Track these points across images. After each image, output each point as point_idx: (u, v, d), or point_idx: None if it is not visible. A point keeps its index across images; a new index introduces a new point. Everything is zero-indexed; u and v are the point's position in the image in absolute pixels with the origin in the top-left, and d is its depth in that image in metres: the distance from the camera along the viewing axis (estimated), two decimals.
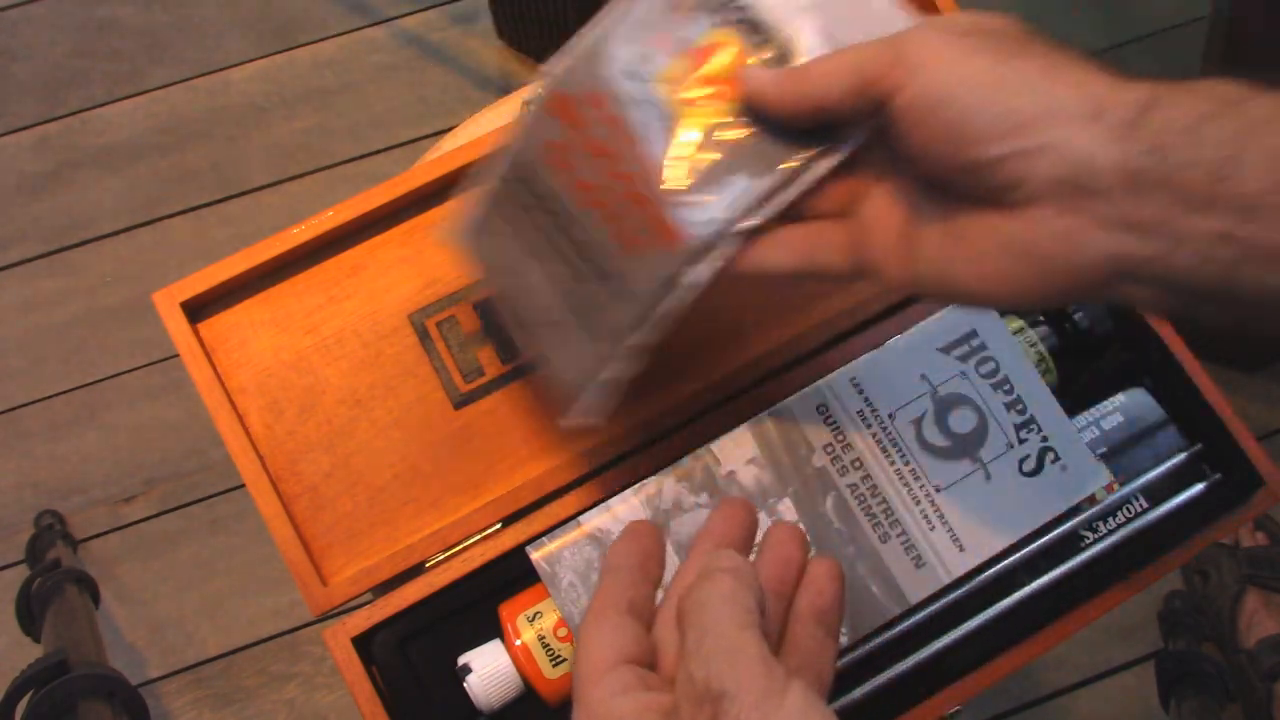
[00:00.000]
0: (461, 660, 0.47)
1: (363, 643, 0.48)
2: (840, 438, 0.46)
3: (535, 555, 0.44)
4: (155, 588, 1.25)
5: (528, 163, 0.40)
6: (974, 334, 0.47)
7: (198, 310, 0.51)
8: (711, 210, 0.36)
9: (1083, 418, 0.51)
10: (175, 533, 1.27)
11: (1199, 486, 0.50)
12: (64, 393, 1.33)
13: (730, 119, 0.37)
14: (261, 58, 1.51)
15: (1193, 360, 0.52)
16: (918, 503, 0.45)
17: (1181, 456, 0.50)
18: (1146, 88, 0.30)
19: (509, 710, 0.47)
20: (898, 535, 0.45)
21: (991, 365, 0.47)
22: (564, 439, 0.52)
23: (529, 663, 0.46)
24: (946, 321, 0.48)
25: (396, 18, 1.54)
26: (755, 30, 0.37)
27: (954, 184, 0.33)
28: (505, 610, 0.48)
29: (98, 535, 1.27)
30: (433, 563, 0.50)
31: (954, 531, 0.45)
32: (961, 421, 0.46)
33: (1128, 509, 0.50)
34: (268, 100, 1.49)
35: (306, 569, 0.48)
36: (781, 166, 0.36)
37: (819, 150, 0.36)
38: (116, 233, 1.41)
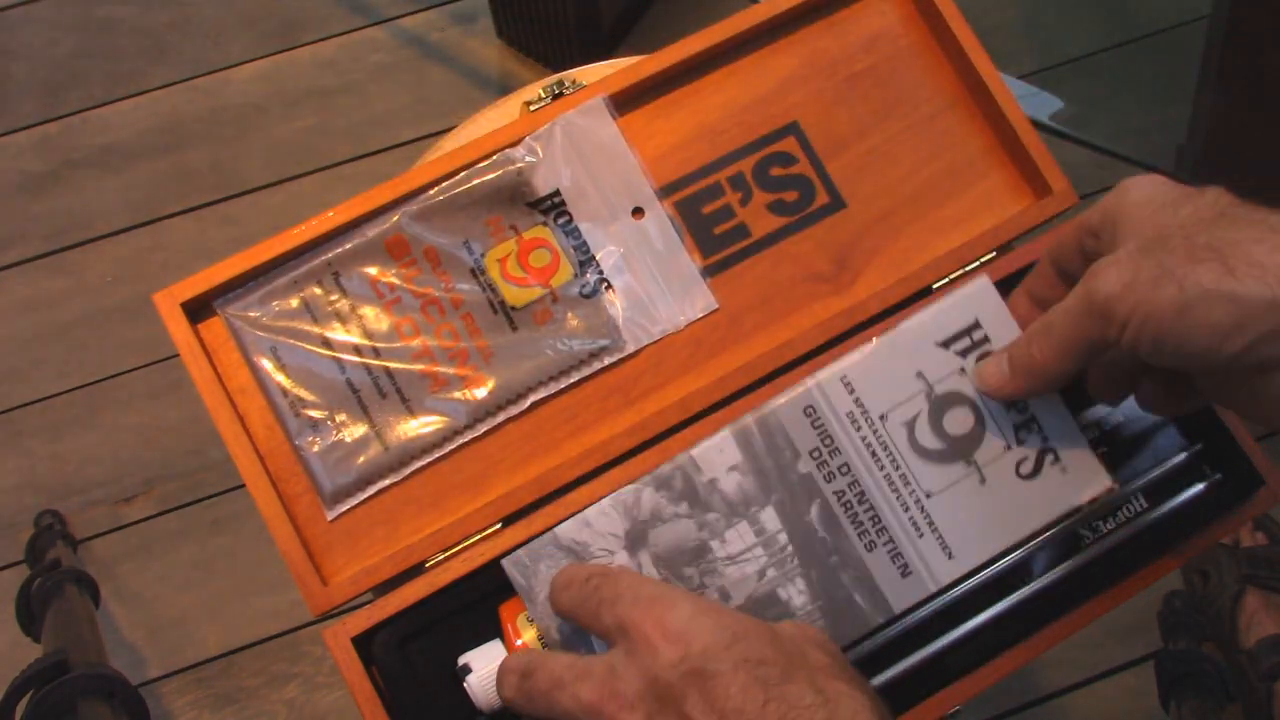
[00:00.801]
0: (461, 660, 0.47)
1: (363, 643, 0.48)
2: (828, 442, 0.44)
3: (509, 567, 0.44)
4: (155, 588, 1.25)
5: None
6: (977, 325, 0.45)
7: (198, 310, 0.51)
8: None
9: (1083, 417, 0.51)
10: (175, 533, 1.27)
11: (1199, 486, 0.50)
12: (64, 393, 1.33)
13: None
14: (261, 58, 1.51)
15: None
16: (906, 509, 0.44)
17: (1181, 456, 0.50)
18: None
19: (509, 710, 0.47)
20: (884, 544, 0.44)
21: None
22: (564, 439, 0.52)
23: None
24: (948, 312, 0.45)
25: (396, 18, 1.54)
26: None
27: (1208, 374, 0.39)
28: (505, 610, 0.48)
29: (98, 535, 1.27)
30: (433, 563, 0.50)
31: (943, 538, 0.44)
32: (957, 423, 0.45)
33: (1128, 509, 0.50)
34: (268, 100, 1.49)
35: (306, 569, 0.48)
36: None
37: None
38: (116, 233, 1.41)
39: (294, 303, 0.52)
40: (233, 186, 1.43)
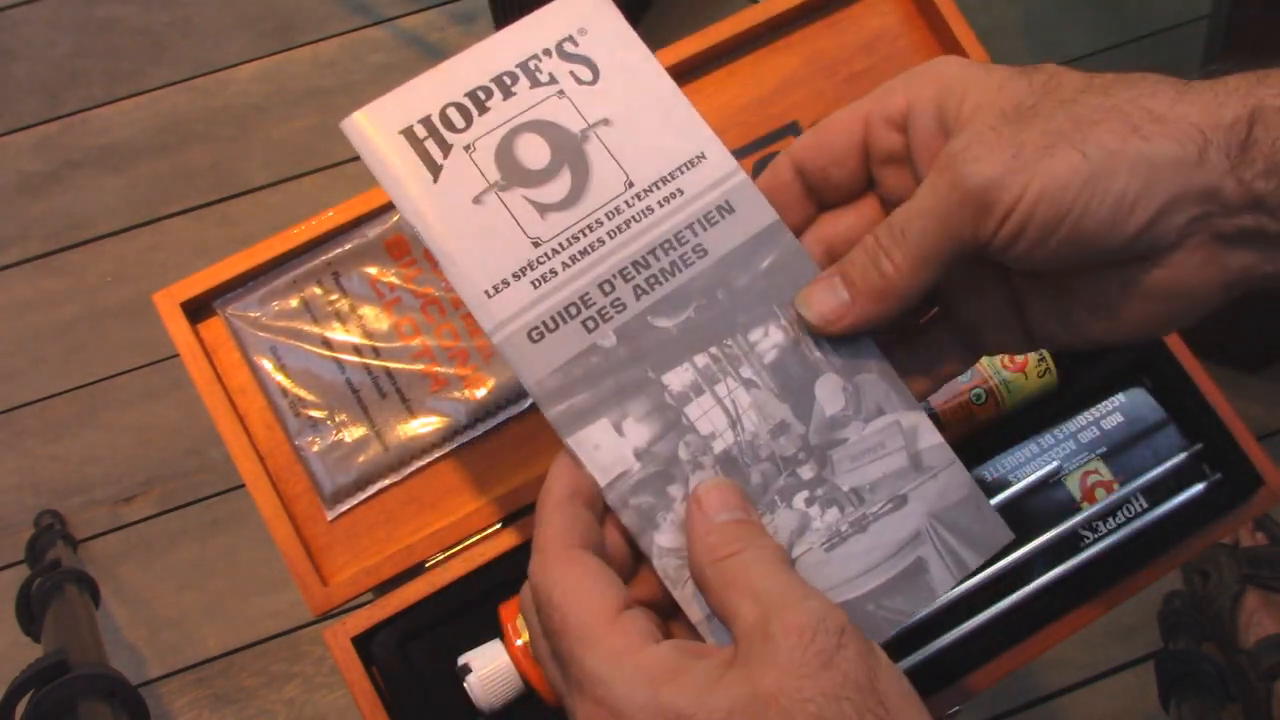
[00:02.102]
0: (461, 660, 0.47)
1: (363, 643, 0.48)
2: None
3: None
4: (155, 588, 1.25)
5: None
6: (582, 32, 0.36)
7: (198, 310, 0.51)
8: None
9: (1083, 417, 0.51)
10: (175, 533, 1.27)
11: (1199, 486, 0.50)
12: (64, 393, 1.33)
13: None
14: (261, 58, 1.51)
15: (1193, 360, 0.52)
16: None
17: (1181, 456, 0.50)
18: (1237, 101, 0.29)
19: (509, 710, 0.47)
20: None
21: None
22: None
23: (529, 663, 0.46)
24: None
25: (396, 18, 1.54)
26: None
27: (1072, 271, 0.32)
28: (505, 610, 0.48)
29: (98, 535, 1.26)
30: (433, 563, 0.50)
31: None
32: (530, 153, 0.35)
33: (1128, 509, 0.50)
34: (268, 100, 1.49)
35: (306, 569, 0.48)
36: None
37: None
38: (116, 233, 1.41)
39: (294, 303, 0.52)
40: (233, 186, 1.43)
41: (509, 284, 0.33)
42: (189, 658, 1.22)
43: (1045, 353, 0.53)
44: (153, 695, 1.20)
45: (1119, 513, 0.50)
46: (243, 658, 1.22)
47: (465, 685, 0.46)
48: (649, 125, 0.35)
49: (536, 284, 0.33)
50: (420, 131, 0.34)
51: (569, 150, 0.34)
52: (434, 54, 1.51)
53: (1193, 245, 0.30)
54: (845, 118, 0.34)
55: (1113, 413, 0.51)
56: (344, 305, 0.52)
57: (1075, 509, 0.50)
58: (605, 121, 0.35)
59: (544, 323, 0.33)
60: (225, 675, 1.21)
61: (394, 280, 0.52)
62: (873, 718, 0.26)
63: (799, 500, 0.34)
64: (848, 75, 0.57)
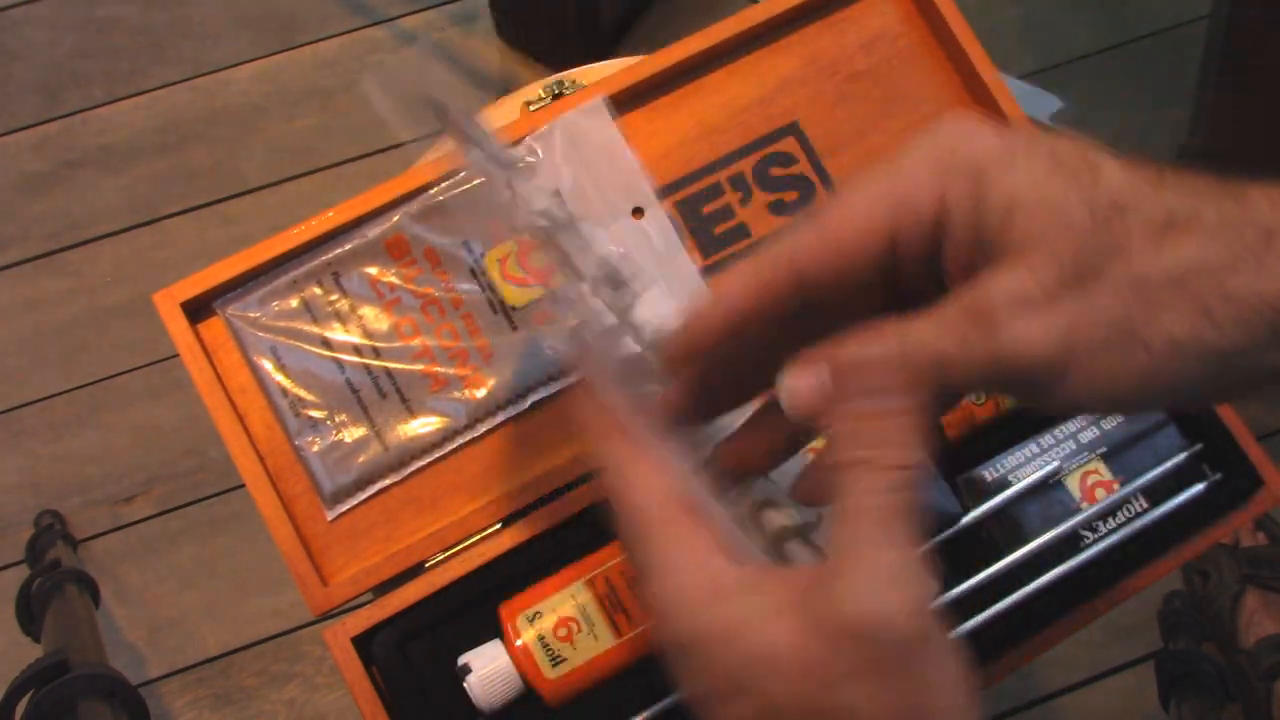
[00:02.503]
0: (461, 660, 0.47)
1: (363, 643, 0.48)
2: None
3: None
4: (155, 588, 1.25)
5: None
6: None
7: (198, 310, 0.51)
8: None
9: (1083, 417, 0.51)
10: (175, 533, 1.27)
11: (1199, 486, 0.50)
12: (64, 393, 1.33)
13: None
14: (261, 58, 1.51)
15: None
16: None
17: (1181, 456, 0.50)
18: (1264, 217, 0.25)
19: (509, 710, 0.47)
20: None
21: None
22: (564, 439, 0.52)
23: (529, 663, 0.46)
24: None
25: (396, 18, 1.54)
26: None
27: None
28: (505, 610, 0.48)
29: (98, 535, 1.26)
30: (433, 563, 0.50)
31: None
32: None
33: (1128, 509, 0.50)
34: (268, 100, 1.48)
35: (306, 569, 0.48)
36: None
37: None
38: (116, 233, 1.41)
39: (294, 303, 0.52)
40: (233, 186, 1.43)
41: None
42: (189, 658, 1.22)
43: None
44: (153, 695, 1.20)
45: (1119, 513, 0.50)
46: (243, 658, 1.22)
47: (465, 685, 0.46)
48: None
49: None
50: None
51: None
52: (434, 54, 1.51)
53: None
54: (862, 225, 0.28)
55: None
56: (344, 305, 0.52)
57: (1075, 509, 0.50)
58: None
59: None
60: (225, 675, 1.21)
61: (394, 280, 0.52)
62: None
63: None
64: (848, 75, 0.57)
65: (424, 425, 0.51)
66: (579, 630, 0.46)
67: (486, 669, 0.46)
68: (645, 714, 0.47)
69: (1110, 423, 0.51)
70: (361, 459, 0.51)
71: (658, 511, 0.29)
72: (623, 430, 0.30)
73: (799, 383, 0.28)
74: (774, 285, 0.29)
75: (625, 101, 0.55)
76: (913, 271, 0.29)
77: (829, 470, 0.27)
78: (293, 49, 1.52)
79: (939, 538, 0.49)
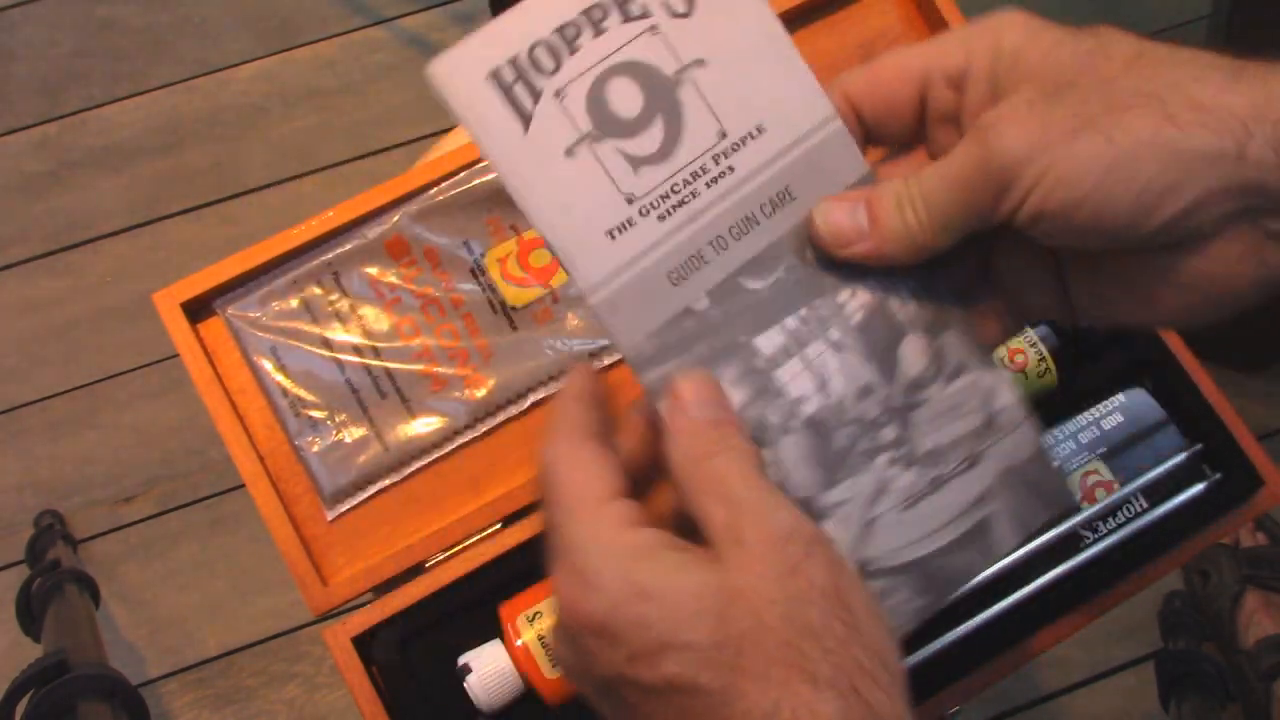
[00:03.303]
0: (461, 660, 0.47)
1: (363, 643, 0.48)
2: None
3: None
4: (155, 588, 1.25)
5: None
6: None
7: (198, 310, 0.51)
8: None
9: (1083, 417, 0.51)
10: (175, 533, 1.27)
11: (1199, 486, 0.50)
12: (64, 393, 1.33)
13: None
14: (261, 58, 1.51)
15: (1193, 360, 0.52)
16: None
17: (1181, 456, 0.50)
18: (1240, 59, 0.28)
19: (509, 710, 0.47)
20: None
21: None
22: None
23: (529, 663, 0.46)
24: None
25: (396, 18, 1.54)
26: None
27: (1103, 252, 0.31)
28: (505, 610, 0.48)
29: (98, 535, 1.26)
30: (433, 563, 0.50)
31: None
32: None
33: (1128, 509, 0.50)
34: (268, 100, 1.49)
35: (306, 569, 0.48)
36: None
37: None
38: (116, 233, 1.41)
39: (294, 303, 0.52)
40: (233, 186, 1.43)
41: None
42: (189, 658, 1.22)
43: (1045, 352, 0.53)
44: (153, 695, 1.20)
45: (1119, 513, 0.50)
46: (243, 658, 1.22)
47: (465, 685, 0.46)
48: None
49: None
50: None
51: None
52: (434, 54, 1.51)
53: (1230, 237, 0.29)
54: (901, 67, 0.33)
55: (1113, 413, 0.51)
56: (344, 305, 0.52)
57: (1075, 509, 0.50)
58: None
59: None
60: (225, 675, 1.21)
61: (394, 280, 0.52)
62: (838, 622, 0.27)
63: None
64: None
65: (424, 425, 0.51)
66: None
67: (486, 669, 0.46)
68: None
69: (1110, 422, 0.51)
70: (361, 459, 0.51)
71: (573, 492, 0.30)
72: (581, 410, 0.32)
73: (836, 213, 0.32)
74: (840, 111, 0.33)
75: None
76: (941, 118, 0.33)
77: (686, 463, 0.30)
78: (293, 49, 1.52)
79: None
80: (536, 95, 0.32)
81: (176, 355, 0.50)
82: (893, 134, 0.34)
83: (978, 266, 0.35)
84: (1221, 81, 0.28)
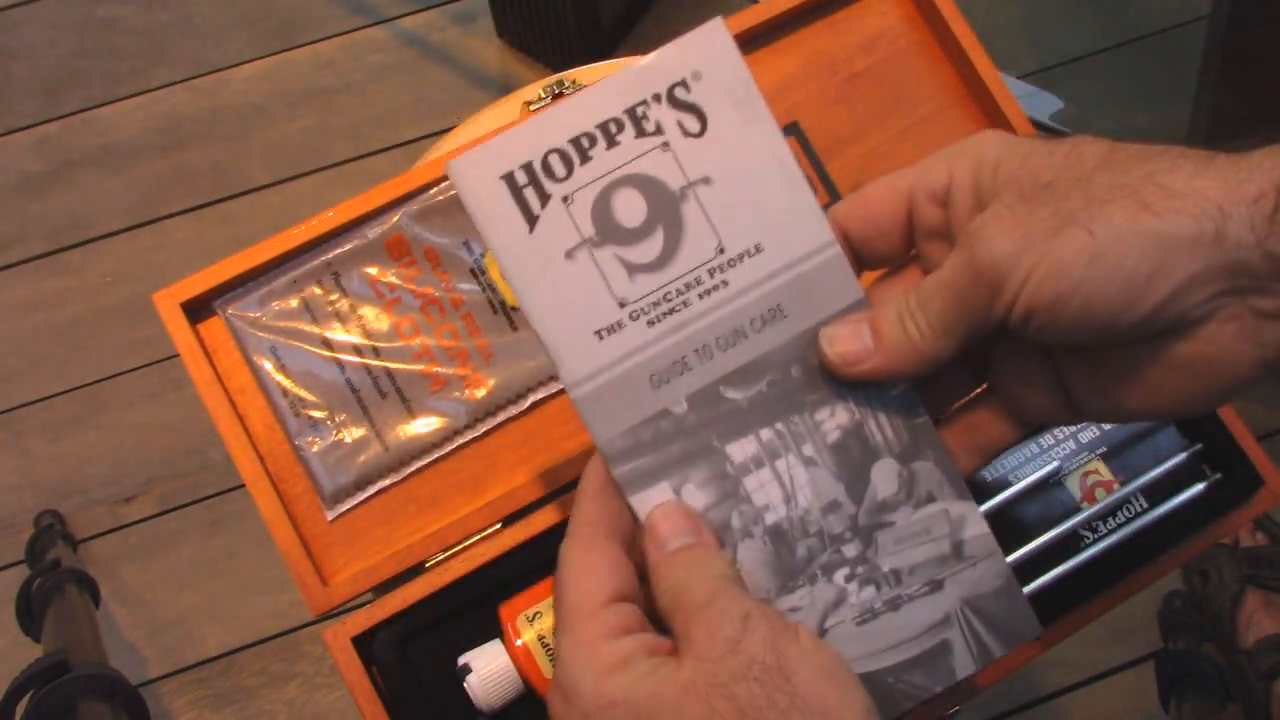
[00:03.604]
0: (461, 660, 0.47)
1: (363, 643, 0.48)
2: None
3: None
4: (155, 588, 1.25)
5: None
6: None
7: (198, 310, 0.51)
8: None
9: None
10: (175, 533, 1.27)
11: (1199, 486, 0.50)
12: (64, 393, 1.33)
13: None
14: (261, 58, 1.51)
15: None
16: None
17: (1181, 456, 0.50)
18: (1262, 175, 0.28)
19: (509, 710, 0.47)
20: None
21: None
22: (564, 439, 0.52)
23: (529, 663, 0.46)
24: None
25: (396, 18, 1.54)
26: None
27: (1098, 346, 0.32)
28: (505, 610, 0.48)
29: (98, 535, 1.26)
30: (433, 563, 0.50)
31: None
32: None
33: (1128, 509, 0.50)
34: (268, 100, 1.49)
35: (306, 569, 0.48)
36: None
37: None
38: (116, 233, 1.41)
39: (294, 303, 0.52)
40: (233, 186, 1.43)
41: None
42: (189, 658, 1.22)
43: None
44: (153, 695, 1.20)
45: (1119, 513, 0.50)
46: (243, 658, 1.22)
47: (465, 685, 0.46)
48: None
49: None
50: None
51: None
52: (434, 54, 1.51)
53: (1223, 318, 0.29)
54: (888, 190, 0.34)
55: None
56: (344, 305, 0.52)
57: (1075, 509, 0.50)
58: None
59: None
60: (225, 675, 1.21)
61: (394, 280, 0.52)
62: (781, 695, 0.28)
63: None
64: (848, 75, 0.57)
65: (424, 425, 0.51)
66: None
67: (486, 669, 0.46)
68: None
69: (1109, 423, 0.51)
70: (361, 459, 0.51)
71: (574, 600, 0.32)
72: (602, 510, 0.34)
73: (843, 331, 0.34)
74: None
75: None
76: (929, 235, 0.35)
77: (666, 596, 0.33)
78: (293, 49, 1.52)
79: None
80: (545, 199, 0.34)
81: (176, 355, 0.50)
82: (881, 254, 0.36)
83: (976, 376, 0.36)
84: (1191, 170, 0.29)
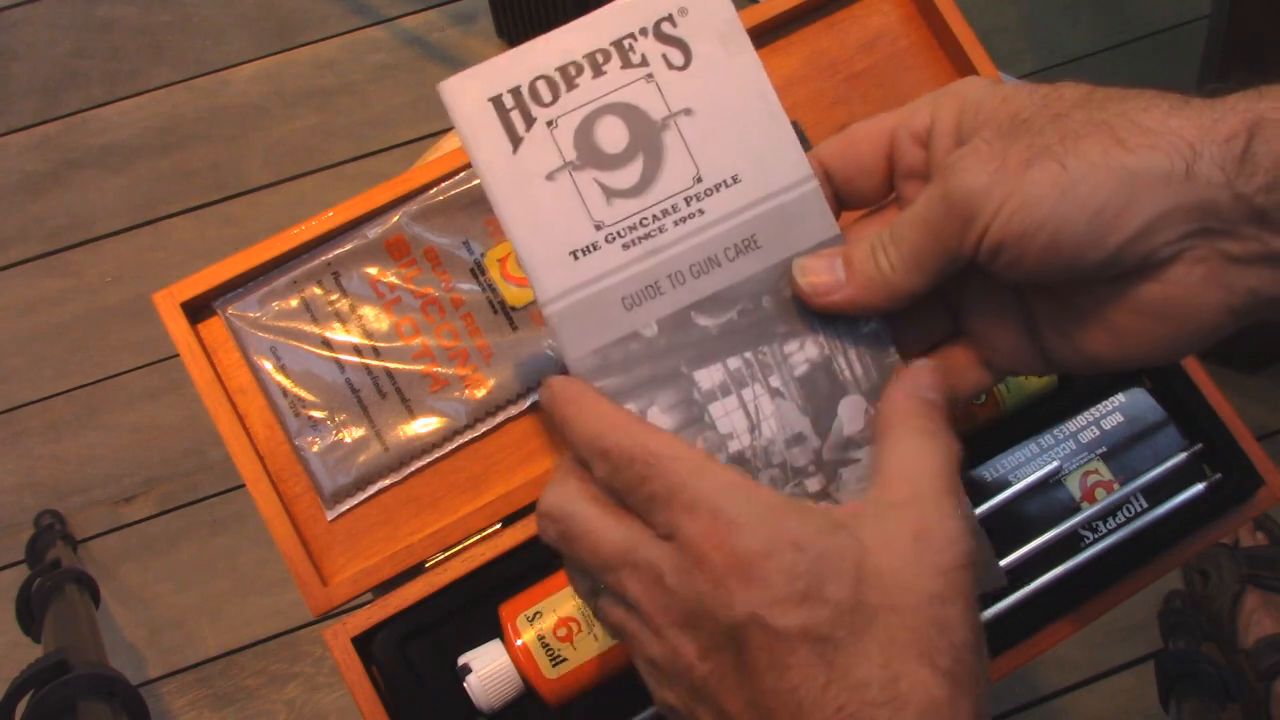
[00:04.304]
0: (461, 660, 0.47)
1: (363, 643, 0.48)
2: None
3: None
4: (155, 588, 1.25)
5: None
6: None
7: (198, 310, 0.51)
8: None
9: (1083, 417, 0.51)
10: (175, 533, 1.27)
11: (1199, 486, 0.50)
12: (64, 393, 1.33)
13: None
14: (261, 58, 1.51)
15: (1193, 360, 0.52)
16: None
17: (1181, 456, 0.50)
18: (1235, 116, 0.28)
19: (509, 710, 0.47)
20: None
21: None
22: (563, 440, 0.52)
23: (529, 663, 0.46)
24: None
25: (396, 18, 1.54)
26: None
27: (1066, 285, 0.32)
28: (505, 610, 0.48)
29: (98, 535, 1.26)
30: (433, 563, 0.50)
31: None
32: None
33: (1128, 509, 0.50)
34: (268, 100, 1.49)
35: (306, 569, 0.48)
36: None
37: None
38: (116, 233, 1.41)
39: (294, 303, 0.52)
40: (233, 186, 1.43)
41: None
42: (189, 658, 1.22)
43: None
44: (153, 695, 1.20)
45: (1119, 513, 0.50)
46: (243, 658, 1.22)
47: (465, 685, 0.46)
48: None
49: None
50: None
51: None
52: (434, 54, 1.51)
53: (1191, 260, 0.29)
54: (872, 130, 0.35)
55: (1112, 413, 0.51)
56: (344, 305, 0.52)
57: (1075, 509, 0.50)
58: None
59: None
60: (225, 675, 1.21)
61: (394, 280, 0.52)
62: (969, 629, 0.29)
63: None
64: (848, 75, 0.57)
65: (424, 425, 0.51)
66: (579, 630, 0.46)
67: (486, 669, 0.46)
68: (645, 714, 0.47)
69: (1110, 422, 0.51)
70: (361, 459, 0.51)
71: (689, 455, 0.30)
72: (608, 422, 0.32)
73: (816, 263, 0.34)
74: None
75: None
76: (908, 175, 0.35)
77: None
78: (293, 49, 1.52)
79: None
80: (531, 122, 0.35)
81: (176, 355, 0.50)
82: (863, 193, 0.36)
83: (949, 318, 0.36)
84: (1167, 108, 0.29)
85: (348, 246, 0.52)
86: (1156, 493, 0.50)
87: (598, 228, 0.34)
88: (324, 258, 0.52)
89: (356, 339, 0.52)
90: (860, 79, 0.57)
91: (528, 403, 0.52)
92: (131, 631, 1.23)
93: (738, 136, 0.35)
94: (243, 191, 1.43)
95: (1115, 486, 0.50)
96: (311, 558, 0.49)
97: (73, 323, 1.36)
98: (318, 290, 0.52)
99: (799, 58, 0.57)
